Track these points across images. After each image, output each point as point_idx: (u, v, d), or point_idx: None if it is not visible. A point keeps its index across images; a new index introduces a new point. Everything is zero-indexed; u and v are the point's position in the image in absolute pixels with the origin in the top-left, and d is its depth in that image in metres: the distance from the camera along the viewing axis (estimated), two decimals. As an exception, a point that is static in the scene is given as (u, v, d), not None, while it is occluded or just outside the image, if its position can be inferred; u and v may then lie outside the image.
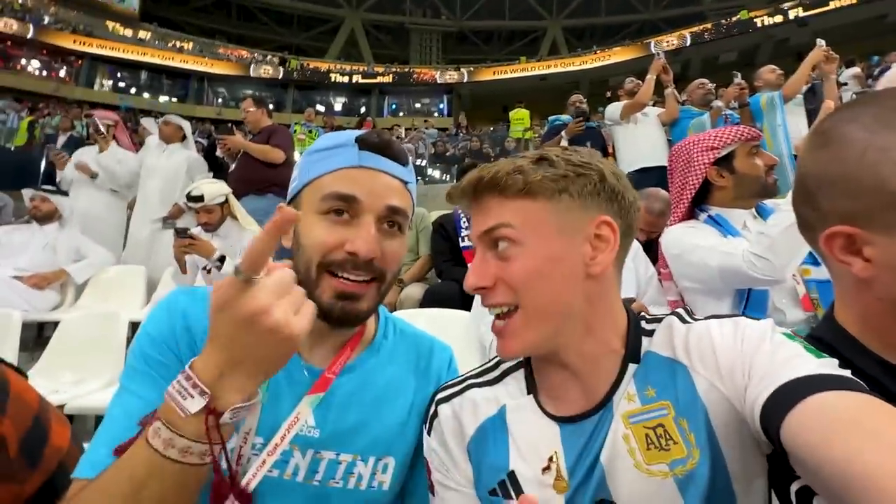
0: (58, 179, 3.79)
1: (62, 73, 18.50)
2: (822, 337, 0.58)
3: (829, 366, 0.45)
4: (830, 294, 1.24)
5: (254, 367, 0.47)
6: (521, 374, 0.64)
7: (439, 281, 2.38)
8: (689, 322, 0.57)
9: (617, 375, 0.57)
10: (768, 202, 1.45)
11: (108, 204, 3.68)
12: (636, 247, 1.79)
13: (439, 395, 0.67)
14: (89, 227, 3.40)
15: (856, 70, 6.91)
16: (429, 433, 0.66)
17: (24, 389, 0.63)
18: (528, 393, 0.62)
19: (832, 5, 16.57)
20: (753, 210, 1.43)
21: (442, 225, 2.41)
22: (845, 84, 6.03)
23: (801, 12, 17.18)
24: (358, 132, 0.68)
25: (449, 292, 2.08)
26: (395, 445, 0.67)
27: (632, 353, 0.57)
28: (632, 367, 0.56)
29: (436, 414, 0.65)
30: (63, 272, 2.95)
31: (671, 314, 0.60)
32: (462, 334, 1.85)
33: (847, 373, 0.45)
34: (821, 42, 3.01)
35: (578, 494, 0.54)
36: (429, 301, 2.12)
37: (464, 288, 0.58)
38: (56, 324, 2.43)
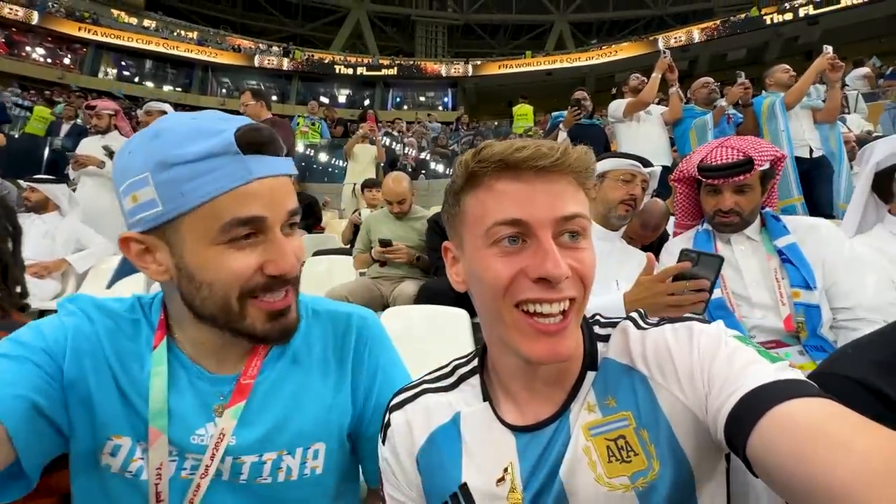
0: (68, 173, 3.77)
1: (67, 61, 18.48)
2: None
3: (784, 370, 0.46)
4: (816, 318, 1.24)
5: None
6: (476, 380, 0.62)
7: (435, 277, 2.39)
8: (643, 328, 0.57)
9: (575, 382, 0.56)
10: (786, 218, 1.36)
11: (114, 195, 3.67)
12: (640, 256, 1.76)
13: (393, 402, 0.64)
14: (95, 217, 3.39)
15: (866, 70, 6.82)
16: (383, 443, 0.63)
17: None
18: (485, 400, 0.60)
19: (843, 3, 16.19)
20: (748, 231, 1.35)
21: (437, 222, 2.40)
22: (847, 85, 5.95)
23: (811, 10, 16.86)
24: (227, 125, 0.56)
25: (444, 289, 2.07)
26: (324, 430, 0.66)
27: (589, 359, 0.56)
28: (590, 375, 0.56)
29: (389, 423, 0.63)
30: (64, 262, 2.96)
31: (625, 318, 0.59)
32: (457, 331, 1.86)
33: (799, 374, 0.45)
34: (827, 49, 2.97)
35: None
36: (423, 297, 2.13)
37: (543, 276, 0.49)
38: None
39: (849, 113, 5.28)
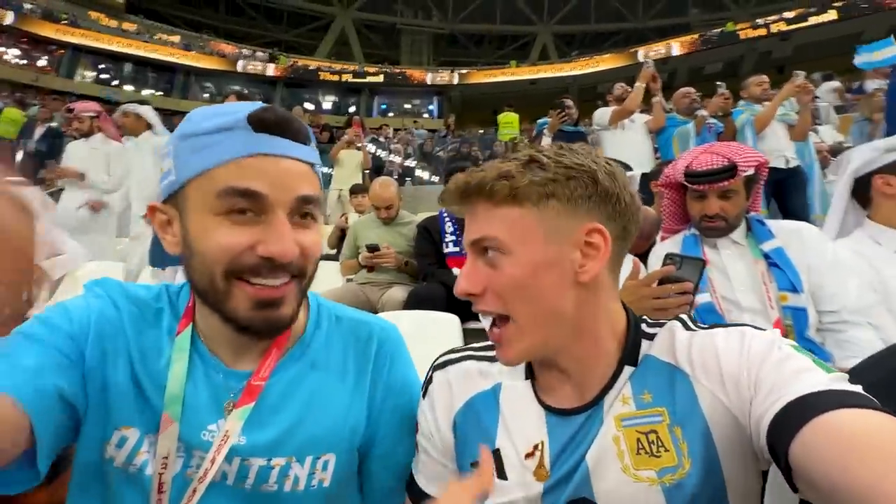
0: (42, 177, 3.66)
1: (42, 63, 17.97)
2: None
3: (839, 380, 0.44)
4: (803, 321, 1.26)
5: None
6: None
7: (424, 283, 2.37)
8: (693, 329, 0.57)
9: (611, 376, 0.56)
10: (770, 222, 1.39)
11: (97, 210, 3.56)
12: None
13: (437, 361, 0.69)
14: (78, 224, 3.29)
15: (836, 84, 7.08)
16: (423, 396, 0.68)
17: None
18: (527, 378, 0.62)
19: (812, 21, 17.04)
20: (734, 236, 1.37)
21: (426, 228, 2.40)
22: (818, 97, 6.18)
23: (783, 27, 17.63)
24: (248, 106, 0.56)
25: (433, 295, 2.06)
26: (336, 440, 0.63)
27: (629, 355, 0.57)
28: (628, 370, 0.56)
29: (430, 380, 0.68)
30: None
31: (674, 319, 0.59)
32: (448, 336, 1.84)
33: (858, 388, 0.43)
34: (797, 75, 3.11)
35: (558, 487, 0.54)
36: (413, 303, 2.11)
37: (454, 293, 0.58)
38: (27, 321, 2.35)
39: (821, 124, 5.48)
